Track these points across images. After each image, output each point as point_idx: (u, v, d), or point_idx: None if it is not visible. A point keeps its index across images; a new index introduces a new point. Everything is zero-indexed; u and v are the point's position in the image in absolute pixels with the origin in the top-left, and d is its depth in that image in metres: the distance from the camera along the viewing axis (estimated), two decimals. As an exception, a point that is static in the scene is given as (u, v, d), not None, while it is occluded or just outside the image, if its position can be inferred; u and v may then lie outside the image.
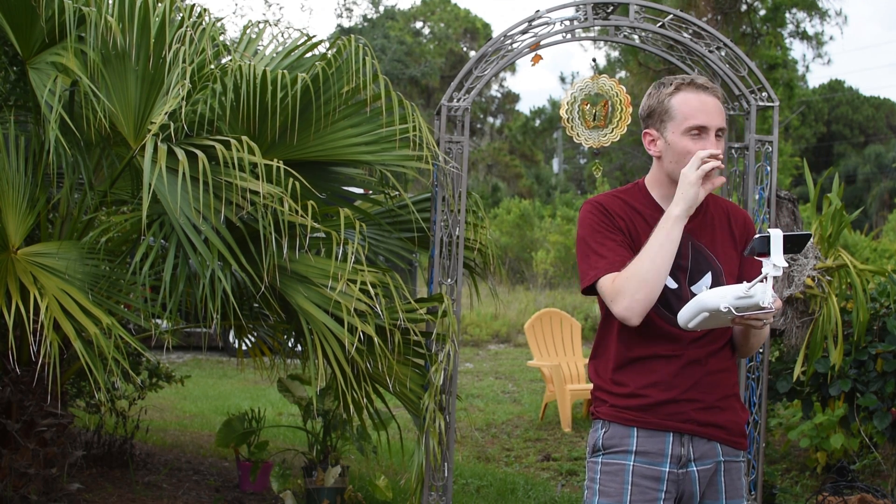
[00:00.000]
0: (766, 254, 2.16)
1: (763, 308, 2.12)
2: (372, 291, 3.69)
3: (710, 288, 2.36)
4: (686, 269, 2.39)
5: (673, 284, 2.37)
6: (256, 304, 4.28)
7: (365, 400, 3.96)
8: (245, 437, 5.15)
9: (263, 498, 5.05)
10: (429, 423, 3.94)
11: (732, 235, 2.48)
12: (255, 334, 4.94)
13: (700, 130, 2.34)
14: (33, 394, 3.96)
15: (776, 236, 2.17)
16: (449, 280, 4.15)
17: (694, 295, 2.34)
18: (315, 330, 3.77)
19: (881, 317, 4.51)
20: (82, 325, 3.47)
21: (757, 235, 2.18)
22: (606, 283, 2.32)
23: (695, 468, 2.37)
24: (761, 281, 2.11)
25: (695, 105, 2.35)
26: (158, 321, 3.80)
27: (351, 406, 3.90)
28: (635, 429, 2.36)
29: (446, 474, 4.11)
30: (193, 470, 5.63)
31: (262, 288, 3.67)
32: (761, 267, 2.35)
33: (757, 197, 4.30)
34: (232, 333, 8.07)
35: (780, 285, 4.31)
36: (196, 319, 3.98)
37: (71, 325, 3.46)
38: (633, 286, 2.26)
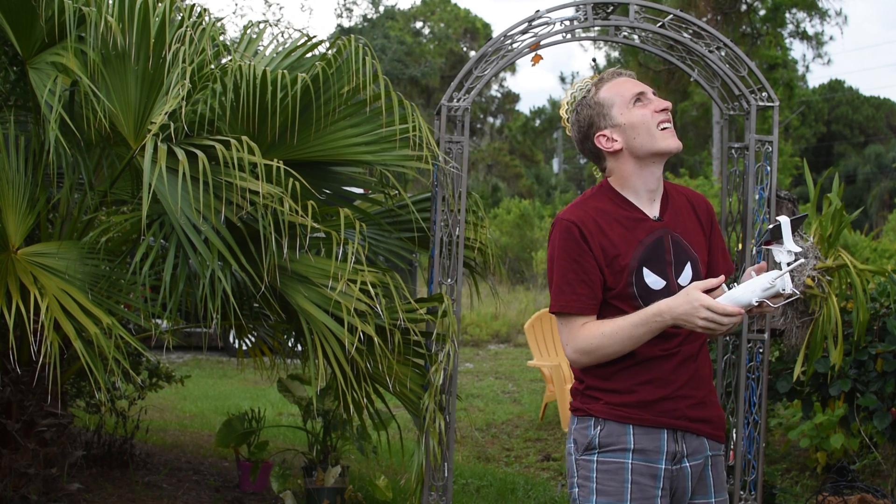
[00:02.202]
0: (778, 241, 2.21)
1: (785, 294, 2.16)
2: (372, 291, 3.69)
3: (693, 279, 2.39)
4: (671, 262, 2.40)
5: (660, 284, 2.37)
6: (256, 304, 4.28)
7: (365, 400, 3.96)
8: (245, 437, 5.15)
9: (263, 498, 5.05)
10: (429, 423, 3.94)
11: (699, 222, 2.50)
12: (255, 334, 4.94)
13: (640, 96, 2.43)
14: (33, 394, 3.96)
15: (785, 223, 2.21)
16: (449, 280, 4.15)
17: (681, 287, 2.36)
18: (315, 330, 3.77)
19: (881, 317, 4.51)
20: (82, 325, 3.47)
21: (769, 226, 2.23)
22: (566, 323, 2.40)
23: (688, 464, 2.38)
24: (783, 272, 2.16)
25: (621, 84, 2.46)
26: (158, 321, 3.80)
27: (351, 406, 3.90)
28: (631, 426, 2.36)
29: (446, 474, 4.11)
30: (193, 470, 5.63)
31: (262, 288, 3.67)
32: (714, 246, 2.46)
33: (757, 197, 4.30)
34: (232, 333, 8.08)
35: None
36: (196, 319, 3.98)
37: (71, 325, 3.46)
38: (590, 355, 2.36)
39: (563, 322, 2.41)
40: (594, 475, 2.38)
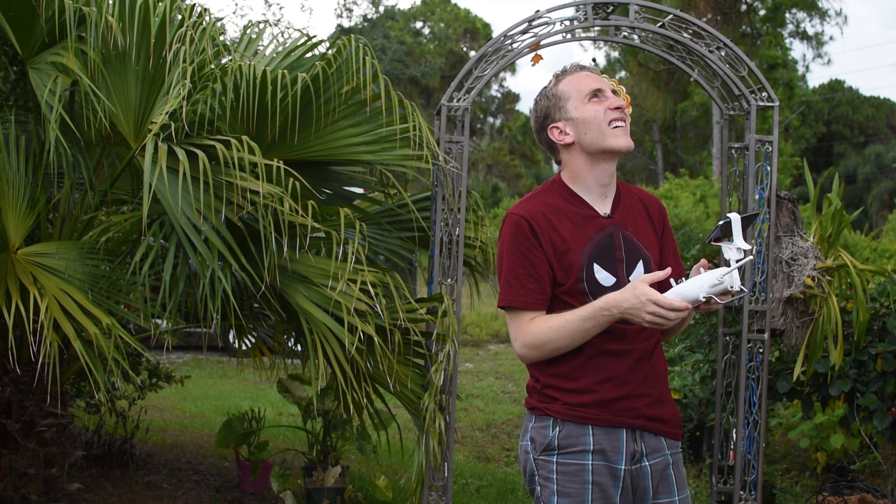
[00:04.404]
0: (728, 238, 2.22)
1: (732, 292, 2.18)
2: (372, 291, 3.69)
3: (645, 274, 2.39)
4: (622, 260, 2.40)
5: (610, 280, 2.37)
6: (256, 304, 4.27)
7: (365, 400, 3.96)
8: (245, 438, 5.15)
9: (263, 498, 5.05)
10: (429, 423, 3.94)
11: (651, 221, 2.51)
12: (255, 334, 4.94)
13: (597, 93, 2.43)
14: (33, 394, 3.96)
15: (735, 220, 2.22)
16: (449, 280, 4.15)
17: None
18: (315, 330, 3.77)
19: (881, 317, 4.51)
20: (82, 325, 3.47)
21: (719, 223, 2.24)
22: (514, 317, 2.40)
23: (647, 463, 2.38)
24: (731, 268, 2.18)
25: (580, 79, 2.46)
26: (158, 321, 3.80)
27: (351, 406, 3.90)
28: (591, 427, 2.35)
29: (446, 474, 4.11)
30: (193, 470, 5.63)
31: (263, 288, 3.67)
32: (666, 247, 2.47)
33: (757, 197, 4.30)
34: (232, 333, 8.09)
35: (780, 285, 4.32)
36: (196, 319, 3.97)
37: (71, 325, 3.45)
38: (538, 349, 2.36)
39: (512, 317, 2.41)
40: (554, 476, 2.37)
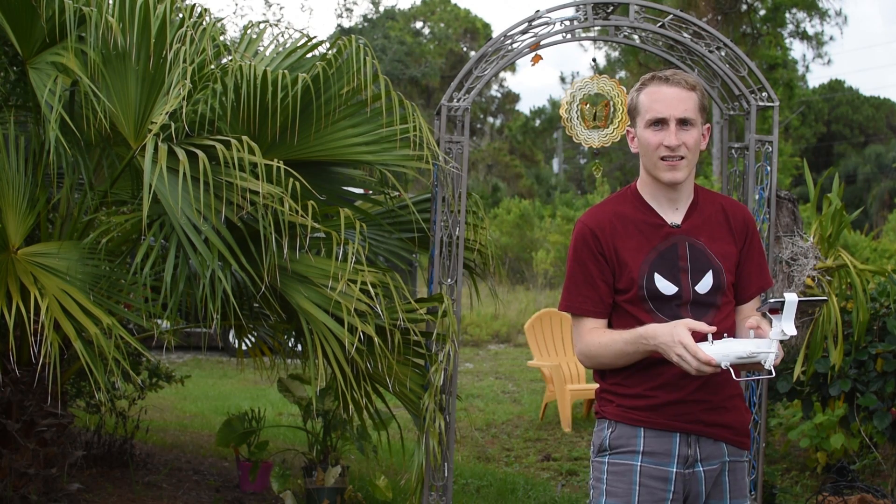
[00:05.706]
0: (778, 315, 2.22)
1: (764, 369, 2.23)
2: (372, 291, 3.69)
3: (714, 287, 2.40)
4: (686, 269, 2.40)
5: (672, 289, 2.38)
6: (256, 304, 4.27)
7: (365, 400, 3.96)
8: (245, 437, 5.15)
9: (263, 498, 5.05)
10: (429, 423, 3.94)
11: (731, 232, 2.49)
12: (255, 334, 4.94)
13: (659, 122, 2.40)
14: (33, 394, 3.96)
15: (790, 303, 2.21)
16: (449, 280, 4.15)
17: (699, 295, 2.39)
18: (315, 330, 3.77)
19: (881, 317, 4.51)
20: (82, 325, 3.47)
21: (773, 299, 2.23)
22: (575, 323, 2.49)
23: (701, 468, 2.39)
24: (769, 350, 2.21)
25: (655, 97, 2.42)
26: (158, 321, 3.80)
27: (351, 406, 3.90)
28: (642, 429, 2.38)
29: (446, 474, 4.11)
30: (193, 470, 5.63)
31: (263, 288, 3.67)
32: (747, 258, 2.46)
33: (757, 197, 4.30)
34: (232, 333, 8.08)
35: (781, 285, 4.32)
36: (196, 319, 3.98)
37: (71, 325, 3.45)
38: (591, 360, 2.46)
39: (574, 322, 2.49)
40: (605, 476, 2.41)
